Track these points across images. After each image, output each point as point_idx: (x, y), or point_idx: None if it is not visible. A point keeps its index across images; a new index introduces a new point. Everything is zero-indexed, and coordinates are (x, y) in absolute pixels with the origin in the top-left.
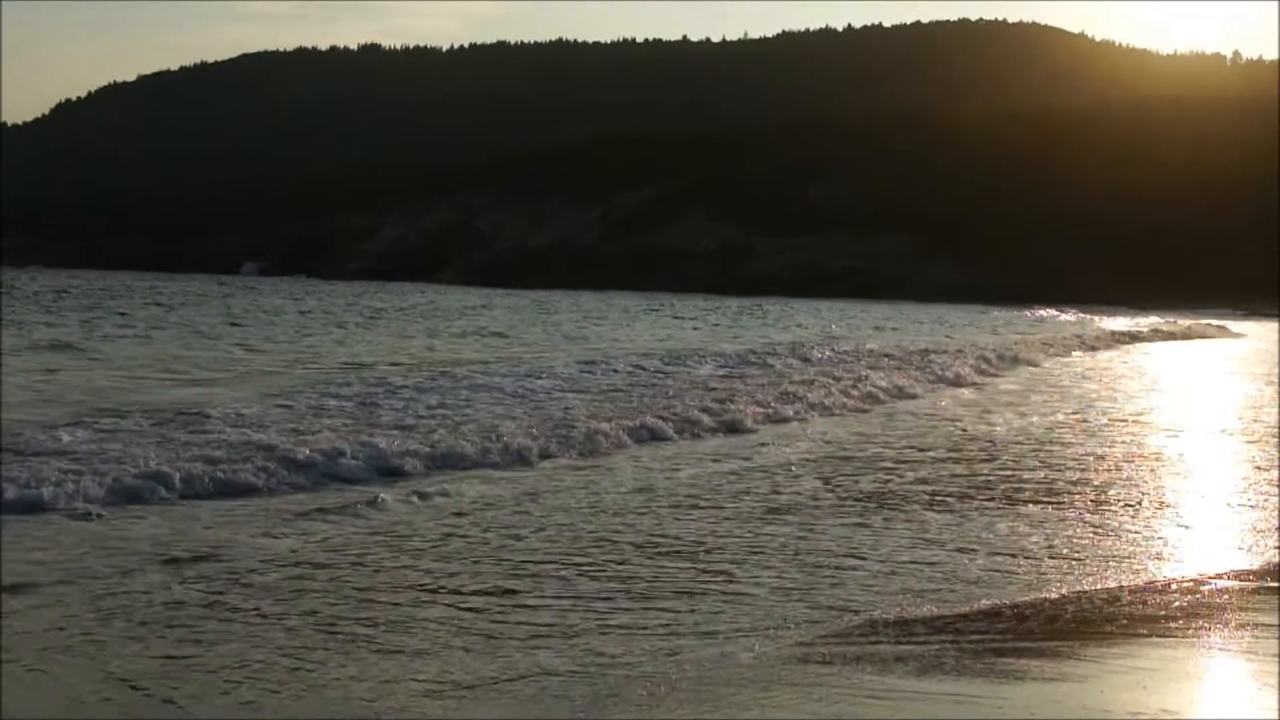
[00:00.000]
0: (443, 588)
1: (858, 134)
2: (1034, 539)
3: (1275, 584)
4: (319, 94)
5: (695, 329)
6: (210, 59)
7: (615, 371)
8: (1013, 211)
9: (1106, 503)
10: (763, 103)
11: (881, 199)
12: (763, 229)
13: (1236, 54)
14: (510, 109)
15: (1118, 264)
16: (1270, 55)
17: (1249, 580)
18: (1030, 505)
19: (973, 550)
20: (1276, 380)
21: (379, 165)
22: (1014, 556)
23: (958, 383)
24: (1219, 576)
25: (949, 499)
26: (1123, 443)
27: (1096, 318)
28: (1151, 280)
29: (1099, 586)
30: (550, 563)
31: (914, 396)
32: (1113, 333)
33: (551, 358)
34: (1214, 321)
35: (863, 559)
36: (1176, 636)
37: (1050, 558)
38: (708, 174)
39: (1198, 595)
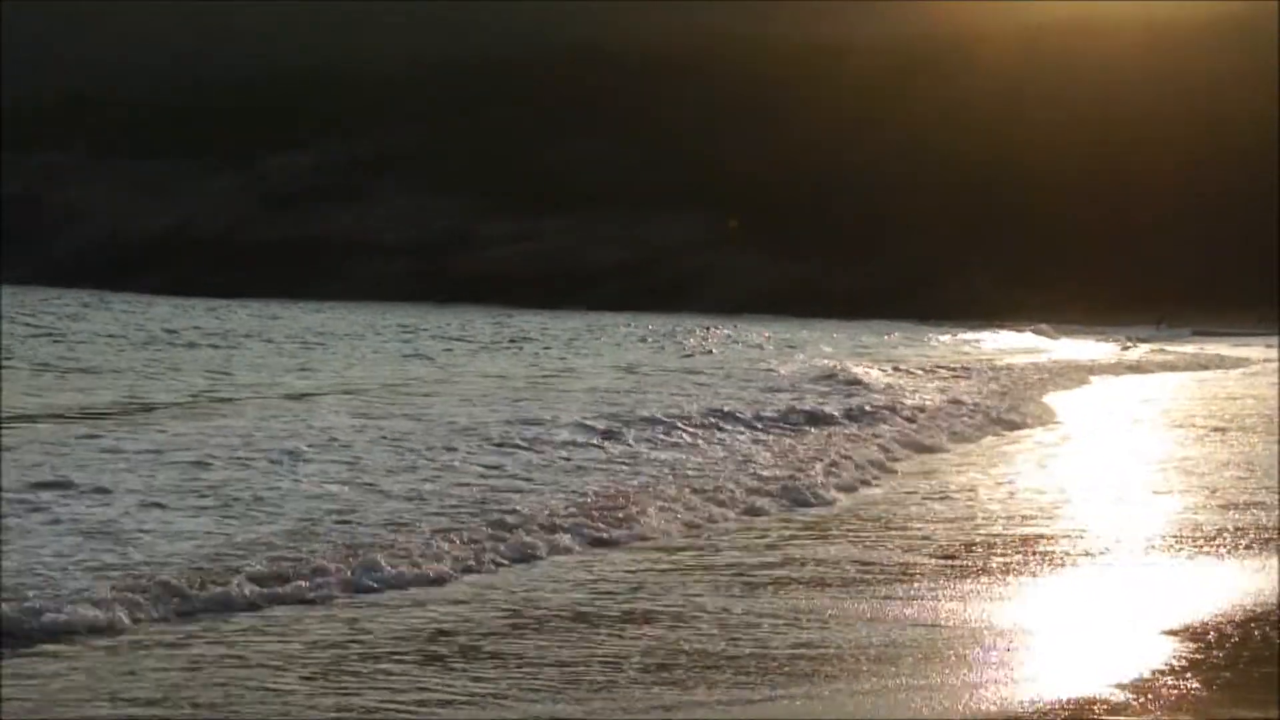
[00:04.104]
0: None
1: (634, 71)
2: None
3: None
4: None
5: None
6: None
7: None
8: (855, 185)
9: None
10: (493, 28)
11: (667, 164)
12: (487, 208)
13: None
14: (103, 30)
15: (999, 260)
16: None
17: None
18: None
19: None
20: None
21: None
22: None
23: None
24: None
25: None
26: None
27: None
28: (1047, 283)
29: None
30: None
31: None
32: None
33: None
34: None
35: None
36: None
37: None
38: (407, 129)
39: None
